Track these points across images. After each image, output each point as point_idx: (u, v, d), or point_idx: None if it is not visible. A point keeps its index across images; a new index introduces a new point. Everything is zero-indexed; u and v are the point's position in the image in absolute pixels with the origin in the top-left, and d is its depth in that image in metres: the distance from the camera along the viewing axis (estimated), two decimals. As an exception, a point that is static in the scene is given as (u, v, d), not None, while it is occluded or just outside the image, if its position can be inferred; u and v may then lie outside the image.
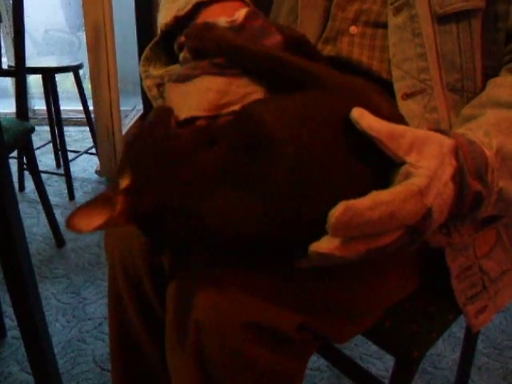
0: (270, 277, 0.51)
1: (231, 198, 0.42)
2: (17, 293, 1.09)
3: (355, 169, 0.43)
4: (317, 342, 0.58)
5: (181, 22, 0.59)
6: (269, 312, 0.50)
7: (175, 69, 0.60)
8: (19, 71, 1.48)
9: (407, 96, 0.59)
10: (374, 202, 0.39)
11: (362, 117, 0.42)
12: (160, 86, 0.62)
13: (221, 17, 0.52)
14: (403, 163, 0.42)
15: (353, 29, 0.65)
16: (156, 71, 0.62)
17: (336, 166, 0.43)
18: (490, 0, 0.57)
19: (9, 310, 1.31)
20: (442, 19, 0.57)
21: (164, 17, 0.61)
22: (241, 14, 0.52)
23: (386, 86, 0.62)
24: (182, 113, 0.47)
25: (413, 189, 0.40)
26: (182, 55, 0.54)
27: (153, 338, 0.65)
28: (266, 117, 0.43)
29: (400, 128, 0.43)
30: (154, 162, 0.44)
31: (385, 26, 0.62)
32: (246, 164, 0.42)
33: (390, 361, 1.22)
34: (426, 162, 0.42)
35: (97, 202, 0.43)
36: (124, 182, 0.44)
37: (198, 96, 0.48)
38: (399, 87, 0.59)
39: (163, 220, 0.43)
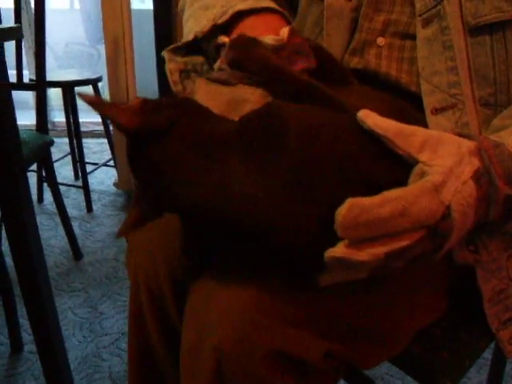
0: (294, 302, 0.48)
1: (243, 165, 0.41)
2: (33, 307, 1.09)
3: (372, 176, 0.42)
4: (342, 370, 0.55)
5: (216, 30, 0.58)
6: (294, 339, 0.47)
7: (198, 59, 0.60)
8: (40, 85, 1.49)
9: (437, 111, 0.57)
10: (383, 198, 0.38)
11: (367, 116, 0.41)
12: (182, 72, 0.61)
13: (265, 34, 0.52)
14: (417, 164, 0.41)
15: (380, 40, 0.63)
16: (180, 58, 0.62)
17: (348, 169, 0.42)
18: None
19: (26, 324, 1.31)
20: (474, 31, 0.55)
21: (197, 24, 0.60)
22: (285, 32, 0.52)
23: (415, 100, 0.59)
24: None
25: (426, 185, 0.39)
26: (217, 64, 0.53)
27: (174, 358, 0.63)
28: (287, 109, 0.44)
29: (410, 127, 0.42)
30: (177, 101, 0.45)
31: (413, 37, 0.60)
32: (262, 143, 0.42)
33: (412, 382, 1.17)
34: (440, 160, 0.40)
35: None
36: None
37: (233, 103, 0.47)
38: (429, 102, 0.57)
39: (168, 147, 0.42)
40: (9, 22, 1.55)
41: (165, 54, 0.63)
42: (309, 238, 0.41)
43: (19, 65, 1.52)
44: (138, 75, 2.07)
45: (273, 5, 0.58)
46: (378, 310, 0.54)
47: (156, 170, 0.43)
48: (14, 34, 0.74)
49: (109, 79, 2.01)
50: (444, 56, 0.56)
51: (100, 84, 2.13)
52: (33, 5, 2.54)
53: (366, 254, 0.38)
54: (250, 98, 0.48)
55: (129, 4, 1.89)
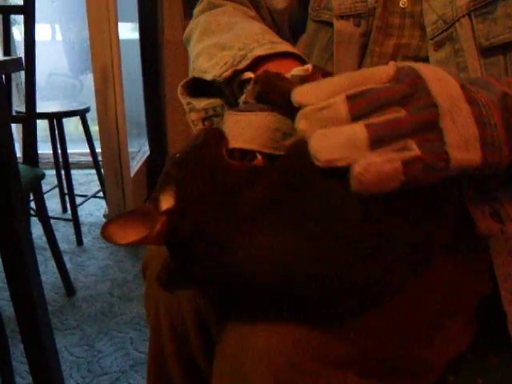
0: (335, 341, 0.46)
1: (271, 238, 0.41)
2: (32, 347, 1.04)
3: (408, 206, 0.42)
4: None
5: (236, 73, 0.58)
6: (338, 381, 0.45)
7: (217, 102, 0.59)
8: (30, 118, 1.46)
9: None
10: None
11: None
12: (205, 119, 0.60)
13: (293, 67, 0.52)
14: None
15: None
16: (198, 103, 0.60)
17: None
18: None
19: (19, 367, 1.25)
20: (487, 51, 0.55)
21: (213, 64, 0.59)
22: (309, 66, 0.52)
23: None
24: (237, 141, 0.46)
25: None
26: (242, 98, 0.51)
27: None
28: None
29: None
30: (201, 190, 0.43)
31: (425, 60, 0.60)
32: (291, 202, 0.42)
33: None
34: None
35: (135, 216, 0.42)
36: (166, 202, 0.43)
37: (264, 131, 0.46)
38: None
39: (197, 250, 0.43)
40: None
41: (182, 100, 0.62)
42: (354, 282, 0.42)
43: (9, 98, 1.49)
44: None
45: (290, 48, 0.58)
46: (413, 344, 0.53)
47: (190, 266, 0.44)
48: (17, 65, 0.72)
49: (97, 110, 1.98)
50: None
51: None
52: (16, 37, 2.53)
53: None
54: (282, 127, 0.47)
55: (117, 34, 1.89)
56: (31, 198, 1.66)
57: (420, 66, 0.41)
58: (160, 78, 2.43)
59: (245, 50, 0.57)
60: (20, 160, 1.50)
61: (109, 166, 2.05)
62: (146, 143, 2.58)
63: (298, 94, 0.40)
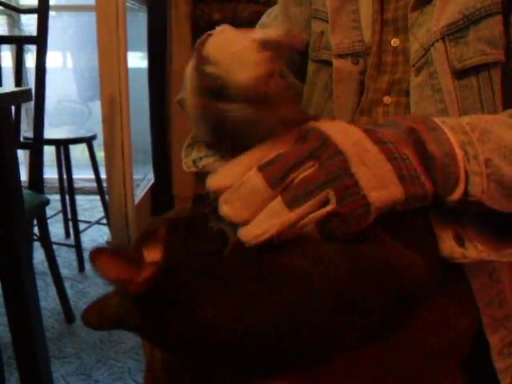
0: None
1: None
2: (28, 376, 1.03)
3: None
4: None
5: None
6: None
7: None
8: (37, 144, 1.48)
9: None
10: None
11: None
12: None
13: None
14: None
15: (387, 99, 0.64)
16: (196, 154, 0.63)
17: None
18: (511, 53, 0.55)
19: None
20: (460, 74, 0.57)
21: None
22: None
23: None
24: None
25: None
26: None
27: None
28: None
29: None
30: (188, 255, 0.43)
31: None
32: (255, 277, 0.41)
33: None
34: None
35: (123, 255, 0.42)
36: (151, 256, 0.43)
37: None
38: None
39: (174, 305, 0.42)
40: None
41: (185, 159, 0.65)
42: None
43: (17, 124, 1.51)
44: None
45: None
46: None
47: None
48: (27, 96, 0.73)
49: (104, 136, 2.00)
50: (434, 99, 0.58)
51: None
52: (28, 64, 2.59)
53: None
54: None
55: (126, 64, 1.92)
56: (35, 223, 1.66)
57: (319, 123, 0.43)
58: (166, 106, 2.46)
59: None
60: (25, 185, 1.52)
61: (113, 192, 2.05)
62: (151, 171, 2.59)
63: (212, 182, 0.41)
